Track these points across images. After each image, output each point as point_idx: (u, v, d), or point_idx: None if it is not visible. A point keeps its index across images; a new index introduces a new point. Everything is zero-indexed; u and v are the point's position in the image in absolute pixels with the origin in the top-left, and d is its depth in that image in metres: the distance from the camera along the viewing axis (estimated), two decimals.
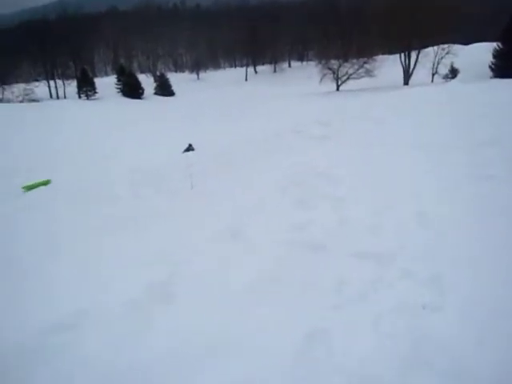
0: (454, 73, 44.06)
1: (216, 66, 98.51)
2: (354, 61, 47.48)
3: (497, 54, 36.80)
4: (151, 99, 54.52)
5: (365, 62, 46.46)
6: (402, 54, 46.86)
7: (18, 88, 55.31)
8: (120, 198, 9.07)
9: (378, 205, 6.10)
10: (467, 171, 6.99)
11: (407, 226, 5.30)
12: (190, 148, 17.30)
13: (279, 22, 78.53)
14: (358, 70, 47.00)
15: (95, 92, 55.13)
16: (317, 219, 5.82)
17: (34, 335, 3.73)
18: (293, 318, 3.74)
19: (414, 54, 46.11)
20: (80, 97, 55.23)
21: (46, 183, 11.97)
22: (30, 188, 11.52)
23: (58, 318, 3.94)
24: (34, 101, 52.50)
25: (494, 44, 37.73)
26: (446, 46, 44.83)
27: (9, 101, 52.92)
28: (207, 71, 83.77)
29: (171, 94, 58.51)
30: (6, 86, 55.55)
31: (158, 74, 66.98)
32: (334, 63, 48.04)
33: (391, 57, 49.60)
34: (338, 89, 47.92)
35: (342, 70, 47.89)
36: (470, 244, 4.68)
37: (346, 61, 48.09)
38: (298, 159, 9.29)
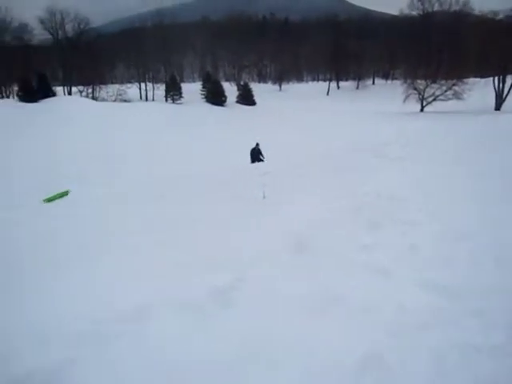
0: None
1: (299, 78, 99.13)
2: (443, 82, 45.57)
3: None
4: (233, 107, 55.92)
5: (454, 84, 44.43)
6: (496, 78, 44.31)
7: (113, 88, 59.37)
8: (193, 202, 9.42)
9: (452, 233, 5.82)
10: None
11: (482, 260, 4.99)
12: (256, 147, 17.03)
13: (367, 38, 77.60)
14: (445, 91, 45.05)
15: (181, 96, 57.69)
16: (385, 243, 5.68)
17: (100, 323, 3.98)
18: (348, 339, 3.68)
19: (509, 79, 43.41)
20: (167, 100, 58.03)
21: (64, 194, 12.27)
22: (49, 200, 11.92)
23: (123, 309, 4.19)
24: (125, 101, 56.07)
25: None
26: None
27: (103, 99, 56.94)
28: (290, 83, 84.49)
29: (252, 103, 59.63)
30: (102, 86, 59.85)
31: (241, 83, 68.63)
32: (421, 83, 46.46)
33: (483, 80, 47.05)
34: (422, 110, 46.30)
35: (429, 91, 46.17)
36: None
37: (433, 82, 46.32)
38: (372, 179, 9.12)
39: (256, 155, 16.90)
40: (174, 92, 57.96)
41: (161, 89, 61.43)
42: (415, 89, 46.60)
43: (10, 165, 19.57)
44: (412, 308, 4.13)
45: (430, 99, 46.14)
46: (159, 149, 23.82)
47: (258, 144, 17.23)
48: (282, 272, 4.90)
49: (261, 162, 16.86)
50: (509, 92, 43.29)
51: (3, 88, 61.21)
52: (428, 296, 4.34)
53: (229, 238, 6.19)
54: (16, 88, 52.90)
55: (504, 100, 43.53)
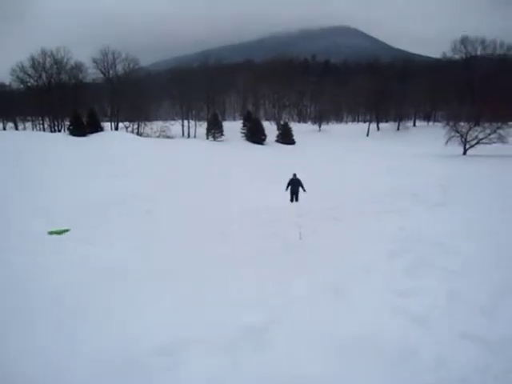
0: None
1: (339, 119, 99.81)
2: (486, 125, 44.68)
3: None
4: (272, 146, 56.67)
5: (498, 127, 43.49)
6: None
7: (157, 125, 61.62)
8: (228, 237, 9.55)
9: (495, 284, 5.64)
10: None
11: None
12: (295, 178, 17.29)
13: (408, 80, 77.71)
14: (489, 134, 44.11)
15: (222, 134, 59.09)
16: (423, 289, 5.57)
17: (141, 355, 4.09)
18: None
19: None
20: (208, 137, 59.53)
21: (65, 231, 12.68)
22: (52, 233, 12.41)
23: (161, 343, 4.30)
24: (168, 137, 57.98)
25: None
26: None
27: (147, 135, 59.10)
28: (329, 123, 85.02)
29: (292, 142, 60.24)
30: (147, 122, 62.29)
31: (281, 122, 69.69)
32: (463, 126, 45.71)
33: None
34: (464, 153, 45.35)
35: (472, 134, 45.31)
36: None
37: (476, 124, 45.50)
38: (411, 224, 9.01)
39: (295, 185, 17.28)
40: (215, 130, 59.48)
41: (203, 126, 63.21)
42: (457, 131, 45.87)
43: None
44: (451, 360, 4.01)
45: (473, 142, 45.25)
46: (198, 186, 24.33)
47: (295, 175, 17.59)
48: (317, 315, 4.89)
49: (298, 201, 17.01)
50: None
51: (56, 122, 64.72)
52: (468, 348, 4.21)
53: (265, 278, 6.22)
54: (67, 122, 55.81)
55: None
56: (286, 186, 17.57)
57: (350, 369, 3.87)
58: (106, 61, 65.99)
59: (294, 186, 17.46)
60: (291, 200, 17.47)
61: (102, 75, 68.01)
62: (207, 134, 60.23)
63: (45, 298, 6.01)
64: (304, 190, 17.31)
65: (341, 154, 42.59)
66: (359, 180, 21.72)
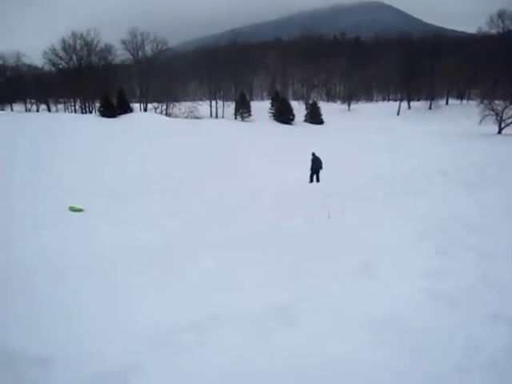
0: None
1: (368, 98, 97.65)
2: None
3: None
4: (300, 125, 56.20)
5: None
6: None
7: (185, 105, 61.86)
8: (256, 216, 9.56)
9: None
10: None
11: None
12: (314, 159, 17.10)
13: (441, 56, 75.04)
14: None
15: (250, 114, 58.91)
16: (455, 271, 5.44)
17: (169, 332, 4.16)
18: (411, 370, 3.55)
19: None
20: (236, 117, 59.44)
21: (80, 210, 13.14)
22: (72, 209, 12.94)
23: (190, 320, 4.36)
24: (196, 118, 58.20)
25: None
26: None
27: (176, 116, 59.45)
28: (359, 103, 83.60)
29: (320, 122, 59.56)
30: (175, 103, 62.61)
31: (310, 101, 68.78)
32: (499, 104, 44.13)
33: None
34: (500, 132, 43.87)
35: (508, 112, 43.73)
36: None
37: None
38: (442, 204, 8.79)
39: (317, 163, 17.14)
40: (243, 110, 59.31)
41: (231, 106, 63.08)
42: (493, 110, 44.32)
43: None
44: (482, 342, 3.92)
45: (509, 121, 43.69)
46: (226, 164, 24.42)
47: (313, 154, 17.42)
48: (344, 295, 4.86)
49: (319, 181, 16.89)
50: None
51: (87, 104, 65.83)
52: (501, 330, 4.10)
53: (295, 259, 6.21)
54: (98, 104, 56.67)
55: None
56: (310, 166, 17.40)
57: (376, 348, 3.83)
58: (134, 42, 66.49)
59: (315, 164, 17.30)
60: (311, 180, 17.33)
61: (130, 56, 68.53)
62: (235, 114, 60.16)
63: (76, 271, 6.18)
64: (321, 168, 17.22)
65: (370, 134, 41.83)
66: (388, 160, 21.30)
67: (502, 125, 44.10)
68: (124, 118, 48.06)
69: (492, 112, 44.30)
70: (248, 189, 16.37)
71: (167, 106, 63.19)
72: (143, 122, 44.61)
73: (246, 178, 19.58)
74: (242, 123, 54.68)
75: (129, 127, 40.79)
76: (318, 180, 17.15)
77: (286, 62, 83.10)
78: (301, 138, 40.87)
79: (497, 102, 44.41)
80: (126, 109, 53.12)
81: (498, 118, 44.18)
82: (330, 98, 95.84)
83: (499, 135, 42.37)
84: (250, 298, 4.85)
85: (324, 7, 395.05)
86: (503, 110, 43.81)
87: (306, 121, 59.86)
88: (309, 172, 17.15)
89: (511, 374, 3.46)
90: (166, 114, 60.73)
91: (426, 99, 74.73)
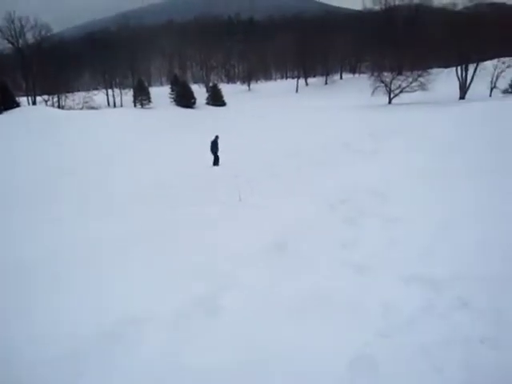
0: None
1: (267, 77, 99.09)
2: (408, 74, 46.26)
3: None
4: (202, 109, 55.56)
5: (419, 75, 45.16)
6: (459, 68, 45.24)
7: (79, 96, 58.10)
8: (167, 203, 9.17)
9: (432, 226, 5.78)
10: None
11: (466, 252, 4.94)
12: (216, 140, 16.94)
13: (332, 33, 78.13)
14: (411, 83, 45.71)
15: (150, 101, 56.88)
16: (365, 239, 5.60)
17: (89, 339, 3.79)
18: (337, 342, 3.56)
19: (471, 68, 44.41)
20: (135, 105, 57.14)
21: None
22: None
23: (110, 324, 4.02)
24: (92, 108, 54.94)
25: None
26: (507, 59, 42.88)
27: (70, 108, 55.64)
28: (258, 82, 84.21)
29: (223, 104, 59.32)
30: (68, 95, 58.50)
31: (210, 84, 68.15)
32: (387, 76, 47.00)
33: (446, 70, 47.94)
34: (390, 102, 46.85)
35: (395, 83, 46.74)
36: None
37: (399, 74, 46.98)
38: (346, 174, 9.07)
39: (214, 146, 17.01)
40: (142, 97, 57.15)
41: (129, 94, 60.42)
42: (382, 81, 47.08)
43: None
44: (397, 304, 4.05)
45: (397, 91, 46.75)
46: (131, 155, 23.37)
47: (217, 137, 17.25)
48: (264, 277, 4.77)
49: (218, 164, 16.85)
50: (472, 81, 44.27)
51: None
52: (412, 290, 4.26)
53: (210, 245, 5.99)
54: None
55: (468, 89, 44.51)
56: (210, 148, 17.16)
57: (302, 328, 3.79)
58: (12, 29, 60.43)
59: (214, 147, 17.13)
60: (214, 163, 17.17)
61: (10, 45, 62.43)
62: (134, 102, 57.76)
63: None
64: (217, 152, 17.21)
65: (271, 112, 42.51)
66: (292, 136, 21.73)
67: (391, 95, 47.11)
68: (10, 114, 43.92)
69: (382, 83, 47.07)
70: (158, 177, 15.77)
71: (59, 98, 58.85)
72: (32, 116, 41.10)
73: (155, 165, 18.85)
74: (143, 111, 52.69)
75: (16, 123, 37.39)
76: (217, 162, 16.94)
77: (182, 44, 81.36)
78: (203, 120, 40.41)
79: (385, 73, 47.22)
80: (11, 103, 48.51)
81: (387, 88, 47.08)
82: (230, 79, 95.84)
83: (389, 105, 45.20)
84: (170, 291, 4.60)
85: None
86: (391, 81, 46.71)
87: (208, 103, 59.27)
88: (211, 155, 16.96)
89: (429, 332, 3.58)
90: (59, 107, 56.59)
91: (322, 75, 77.57)
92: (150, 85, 75.43)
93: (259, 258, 5.22)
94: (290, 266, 4.95)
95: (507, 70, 42.10)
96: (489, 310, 3.79)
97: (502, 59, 43.05)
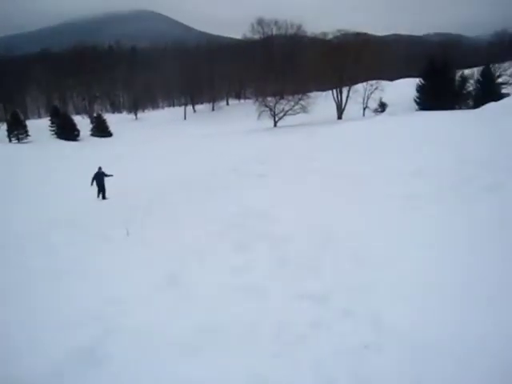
0: (382, 107, 46.53)
1: (154, 105, 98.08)
2: (290, 98, 48.99)
3: (419, 89, 39.38)
4: (87, 140, 53.14)
5: (300, 99, 48.07)
6: (334, 91, 49.14)
7: None
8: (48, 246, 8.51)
9: (316, 243, 6.10)
10: (399, 203, 7.21)
11: (343, 265, 5.30)
12: (99, 172, 16.43)
13: (216, 62, 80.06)
14: (293, 106, 48.51)
15: (27, 135, 52.89)
16: (256, 261, 5.71)
17: None
18: (231, 370, 3.54)
19: (345, 90, 48.49)
20: (10, 140, 52.75)
21: None
22: None
23: None
24: None
25: (417, 80, 40.29)
26: (373, 82, 47.47)
27: None
28: (145, 111, 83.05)
29: (109, 134, 57.29)
30: None
31: (94, 114, 65.54)
32: (271, 100, 49.28)
33: (324, 93, 51.73)
34: (275, 125, 49.07)
35: (279, 107, 49.21)
36: (404, 280, 4.74)
37: (281, 98, 49.53)
38: (238, 198, 9.23)
39: (100, 178, 16.42)
40: (18, 131, 52.95)
41: (2, 128, 55.63)
42: (266, 106, 49.26)
43: None
44: (290, 323, 4.17)
45: (281, 114, 49.20)
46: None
47: (100, 168, 16.69)
48: (154, 315, 4.60)
49: (105, 197, 16.33)
50: (346, 102, 48.29)
51: None
52: (303, 307, 4.43)
53: (92, 288, 5.63)
54: None
55: (343, 110, 48.44)
56: (91, 181, 16.50)
57: (197, 365, 3.71)
58: None
59: (99, 179, 16.55)
60: (98, 195, 16.56)
61: None
62: (9, 136, 53.31)
63: None
64: (112, 175, 16.80)
65: (160, 141, 41.98)
66: (181, 164, 21.66)
67: (276, 118, 49.40)
68: None
69: (266, 108, 49.21)
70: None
71: None
72: None
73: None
74: (19, 145, 48.86)
75: None
76: (103, 195, 16.28)
77: (59, 75, 77.32)
78: (88, 153, 38.59)
79: (269, 98, 49.48)
80: None
81: (272, 112, 49.32)
82: (116, 108, 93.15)
83: (275, 128, 47.36)
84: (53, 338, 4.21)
85: (95, 17, 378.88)
86: (275, 105, 49.09)
87: (92, 135, 56.82)
88: (95, 188, 16.29)
89: (319, 346, 3.74)
90: None
91: (209, 102, 78.88)
92: (27, 117, 70.36)
93: (145, 297, 5.02)
94: (179, 301, 4.85)
95: (375, 91, 46.63)
96: (368, 315, 4.10)
97: (370, 82, 47.60)
